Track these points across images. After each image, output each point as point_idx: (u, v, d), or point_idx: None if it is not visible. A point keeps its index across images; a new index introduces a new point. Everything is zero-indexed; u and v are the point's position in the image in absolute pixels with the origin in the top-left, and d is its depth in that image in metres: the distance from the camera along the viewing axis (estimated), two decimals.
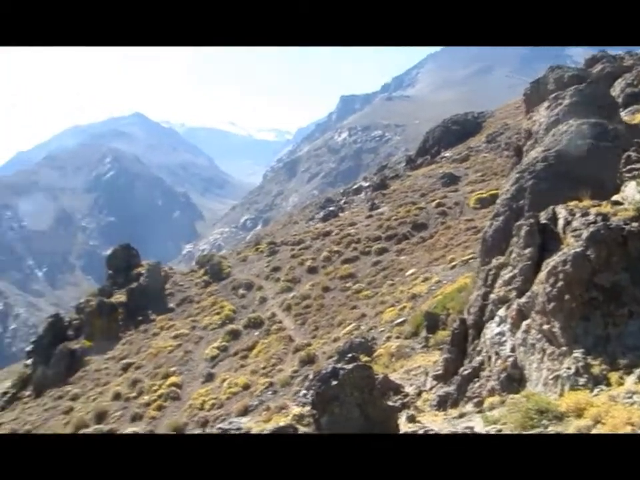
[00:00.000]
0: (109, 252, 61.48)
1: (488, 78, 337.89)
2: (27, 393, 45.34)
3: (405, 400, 14.36)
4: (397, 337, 23.63)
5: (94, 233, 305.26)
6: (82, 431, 32.06)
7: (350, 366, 8.22)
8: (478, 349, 12.63)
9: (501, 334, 11.38)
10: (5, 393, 47.92)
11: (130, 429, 29.47)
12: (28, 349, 53.69)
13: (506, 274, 12.12)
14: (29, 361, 49.54)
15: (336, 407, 7.90)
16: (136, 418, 31.27)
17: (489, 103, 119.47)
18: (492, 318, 12.05)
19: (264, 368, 30.09)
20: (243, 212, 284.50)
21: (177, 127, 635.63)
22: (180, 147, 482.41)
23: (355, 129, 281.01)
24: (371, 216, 52.27)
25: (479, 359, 12.29)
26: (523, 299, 10.69)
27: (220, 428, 9.15)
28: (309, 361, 27.80)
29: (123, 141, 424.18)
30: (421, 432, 9.06)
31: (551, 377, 9.19)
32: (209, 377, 32.82)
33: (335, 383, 7.97)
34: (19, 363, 74.03)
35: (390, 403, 9.20)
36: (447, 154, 69.25)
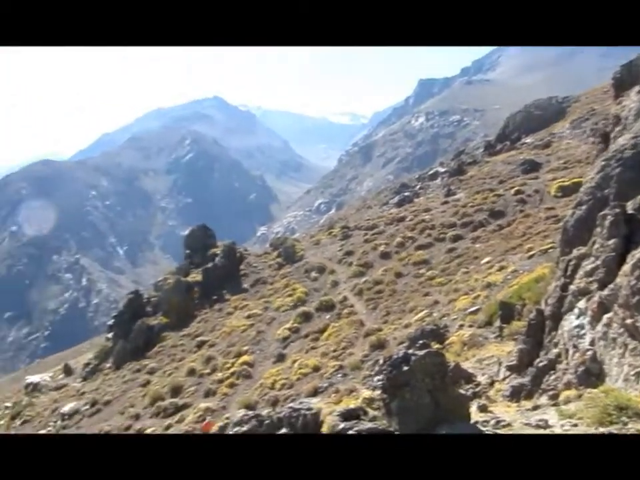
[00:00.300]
0: (186, 232, 63.18)
1: (575, 61, 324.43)
2: (108, 365, 47.44)
3: (477, 389, 14.14)
4: (470, 326, 23.25)
5: (173, 214, 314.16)
6: (157, 404, 33.30)
7: (422, 352, 8.13)
8: (555, 340, 12.27)
9: (580, 326, 11.00)
10: (87, 364, 50.36)
11: (203, 404, 30.36)
12: (109, 323, 56.14)
13: (587, 265, 11.68)
14: (110, 335, 51.81)
15: (406, 393, 7.84)
16: (209, 394, 32.16)
17: (574, 87, 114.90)
18: (571, 310, 11.66)
19: (334, 351, 30.28)
20: (317, 196, 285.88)
21: (254, 110, 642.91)
22: (257, 130, 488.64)
23: (433, 114, 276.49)
24: (446, 202, 51.47)
25: (555, 351, 11.93)
26: (605, 292, 10.28)
27: (291, 407, 9.28)
28: (380, 345, 27.77)
29: (203, 124, 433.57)
30: (492, 422, 8.91)
31: (632, 372, 8.82)
32: (280, 358, 33.34)
33: (406, 368, 7.90)
34: (100, 336, 77.50)
35: (461, 391, 9.06)
36: (528, 140, 67.21)
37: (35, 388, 52.98)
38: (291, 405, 9.58)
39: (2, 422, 47.71)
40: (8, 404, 54.07)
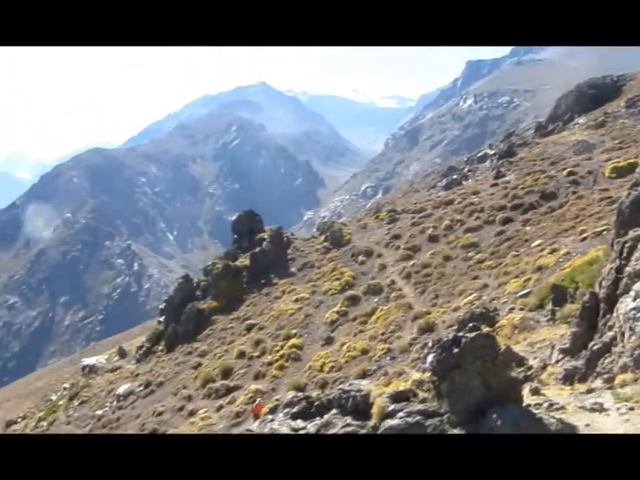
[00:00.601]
0: (233, 217, 63.82)
1: None
2: (160, 347, 48.55)
3: (528, 373, 13.95)
4: (521, 309, 22.91)
5: (220, 199, 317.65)
6: (209, 386, 33.94)
7: (472, 334, 8.07)
8: (610, 323, 11.99)
9: (637, 309, 10.72)
10: (140, 347, 51.63)
11: (253, 386, 30.85)
12: (160, 307, 57.33)
13: None
14: (162, 319, 52.91)
15: (457, 375, 7.81)
16: (259, 376, 32.64)
17: (631, 65, 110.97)
18: (627, 292, 11.37)
19: (382, 334, 30.29)
20: (363, 180, 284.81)
21: (300, 96, 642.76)
22: (303, 116, 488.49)
23: (481, 95, 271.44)
24: (496, 184, 50.60)
25: (610, 334, 11.66)
26: None
27: (340, 389, 9.34)
28: (428, 329, 27.65)
29: (249, 110, 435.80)
30: (545, 405, 8.80)
31: None
32: (329, 341, 33.55)
33: (456, 350, 7.86)
34: (152, 320, 79.31)
35: (513, 374, 8.96)
36: (581, 120, 65.38)
37: (91, 370, 54.67)
38: (341, 386, 9.64)
39: (61, 402, 49.46)
40: (66, 385, 56.00)
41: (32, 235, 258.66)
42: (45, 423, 46.16)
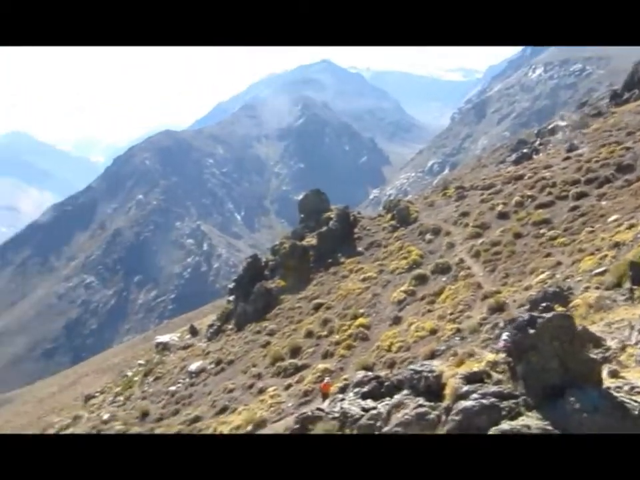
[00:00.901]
0: (300, 197, 64.14)
1: None
2: (230, 326, 49.57)
3: (607, 354, 13.46)
4: (597, 288, 22.08)
5: (286, 179, 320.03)
6: (278, 364, 34.44)
7: (549, 314, 7.81)
8: None
9: None
10: (211, 325, 52.90)
11: (321, 365, 31.08)
12: (230, 286, 58.45)
13: None
14: (231, 298, 53.95)
15: (533, 356, 7.59)
16: (327, 355, 32.86)
17: None
18: None
19: (451, 314, 29.87)
20: (429, 156, 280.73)
21: (364, 72, 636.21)
22: (367, 92, 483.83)
23: (552, 64, 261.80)
24: (568, 158, 48.79)
25: None
26: None
27: (412, 369, 9.26)
28: (498, 308, 27.05)
29: (313, 88, 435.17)
30: (626, 388, 8.45)
31: None
32: (396, 320, 33.37)
33: (532, 331, 7.63)
34: (222, 299, 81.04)
35: (592, 356, 8.64)
36: None
37: (164, 347, 56.48)
38: (412, 367, 9.55)
39: (136, 378, 51.34)
40: (141, 362, 58.07)
41: (107, 217, 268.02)
42: (121, 398, 48.05)
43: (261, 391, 32.39)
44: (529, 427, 6.79)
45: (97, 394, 56.29)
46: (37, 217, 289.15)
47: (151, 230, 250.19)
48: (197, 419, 33.00)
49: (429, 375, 8.75)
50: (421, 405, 8.31)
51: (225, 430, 28.08)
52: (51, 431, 50.67)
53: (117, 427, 38.82)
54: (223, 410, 32.69)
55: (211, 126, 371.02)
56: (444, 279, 35.95)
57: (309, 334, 37.19)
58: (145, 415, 38.91)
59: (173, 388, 41.82)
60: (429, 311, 32.33)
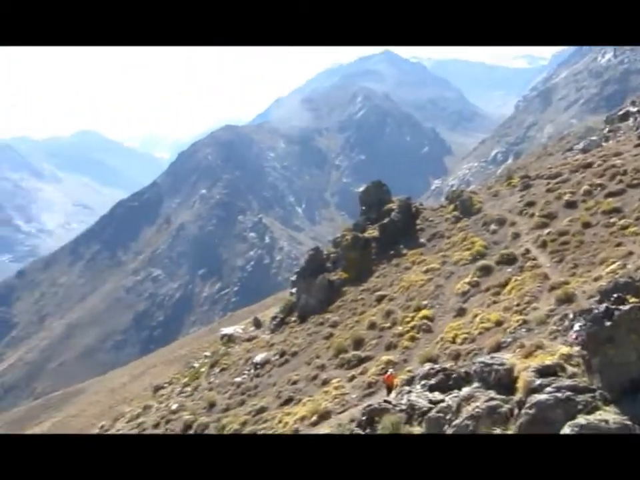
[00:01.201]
0: (361, 189, 63.89)
1: None
2: (293, 318, 49.96)
3: None
4: None
5: (347, 171, 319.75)
6: (341, 356, 34.52)
7: (626, 306, 7.52)
8: None
9: None
10: (274, 318, 53.45)
11: (384, 357, 30.97)
12: (292, 278, 58.87)
13: None
14: (294, 290, 54.32)
15: (610, 349, 7.33)
16: (390, 347, 32.71)
17: None
18: None
19: (517, 305, 29.19)
20: (493, 145, 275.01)
21: (424, 61, 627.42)
22: (428, 82, 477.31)
23: (622, 49, 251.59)
24: None
25: None
26: None
27: (482, 362, 9.08)
28: (567, 300, 26.25)
29: (373, 80, 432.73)
30: None
31: None
32: (460, 312, 32.87)
33: (609, 323, 7.37)
34: (284, 291, 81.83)
35: None
36: None
37: (229, 339, 57.48)
38: (482, 359, 9.37)
39: (203, 369, 52.47)
40: (207, 353, 59.31)
41: (171, 211, 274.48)
42: (189, 389, 49.21)
43: (325, 383, 32.53)
44: (606, 421, 6.57)
45: (165, 384, 57.87)
46: (105, 213, 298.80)
47: (214, 224, 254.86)
48: (262, 410, 33.46)
49: (500, 367, 8.55)
50: (492, 398, 8.13)
51: (290, 420, 28.39)
52: (122, 420, 52.48)
53: (185, 417, 39.83)
54: (288, 401, 33.03)
55: (271, 120, 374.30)
56: (509, 269, 35.14)
57: (372, 325, 37.08)
58: (212, 405, 39.74)
59: (238, 379, 42.51)
60: (494, 302, 31.68)
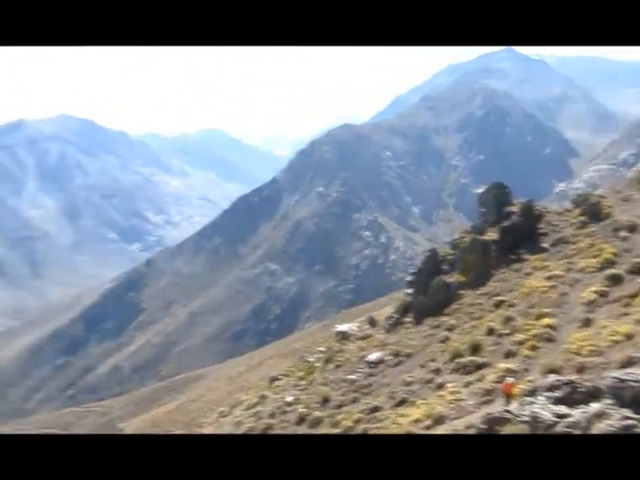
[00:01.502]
0: (480, 190, 62.50)
1: None
2: (408, 319, 49.86)
3: None
4: None
5: (465, 171, 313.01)
6: (457, 360, 34.07)
7: None
8: None
9: None
10: (389, 317, 53.59)
11: (503, 365, 30.24)
12: (408, 279, 58.64)
13: None
14: (410, 290, 54.11)
15: None
16: (509, 355, 31.86)
17: None
18: None
19: None
20: (623, 147, 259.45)
21: (547, 59, 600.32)
22: (552, 80, 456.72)
23: None
24: None
25: None
26: None
27: (615, 377, 8.80)
28: None
29: (493, 78, 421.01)
30: None
31: None
32: (586, 322, 31.44)
33: None
34: (398, 291, 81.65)
35: None
36: None
37: (343, 336, 58.19)
38: (615, 374, 9.07)
39: (317, 364, 53.54)
40: (322, 348, 60.37)
41: (289, 208, 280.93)
42: (303, 382, 50.39)
43: (440, 387, 32.23)
44: None
45: (280, 376, 59.53)
46: (227, 208, 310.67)
47: (330, 221, 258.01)
48: (375, 409, 33.71)
49: (636, 384, 8.25)
50: (627, 417, 7.86)
51: (404, 422, 28.44)
52: (240, 408, 54.60)
53: (299, 410, 40.89)
54: (402, 402, 33.04)
55: (389, 118, 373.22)
56: None
57: (490, 331, 36.23)
58: (325, 400, 40.52)
59: (352, 376, 43.01)
60: (624, 314, 30.02)
